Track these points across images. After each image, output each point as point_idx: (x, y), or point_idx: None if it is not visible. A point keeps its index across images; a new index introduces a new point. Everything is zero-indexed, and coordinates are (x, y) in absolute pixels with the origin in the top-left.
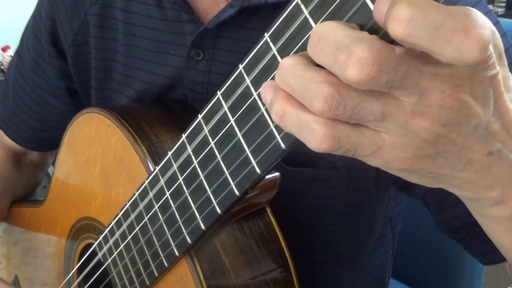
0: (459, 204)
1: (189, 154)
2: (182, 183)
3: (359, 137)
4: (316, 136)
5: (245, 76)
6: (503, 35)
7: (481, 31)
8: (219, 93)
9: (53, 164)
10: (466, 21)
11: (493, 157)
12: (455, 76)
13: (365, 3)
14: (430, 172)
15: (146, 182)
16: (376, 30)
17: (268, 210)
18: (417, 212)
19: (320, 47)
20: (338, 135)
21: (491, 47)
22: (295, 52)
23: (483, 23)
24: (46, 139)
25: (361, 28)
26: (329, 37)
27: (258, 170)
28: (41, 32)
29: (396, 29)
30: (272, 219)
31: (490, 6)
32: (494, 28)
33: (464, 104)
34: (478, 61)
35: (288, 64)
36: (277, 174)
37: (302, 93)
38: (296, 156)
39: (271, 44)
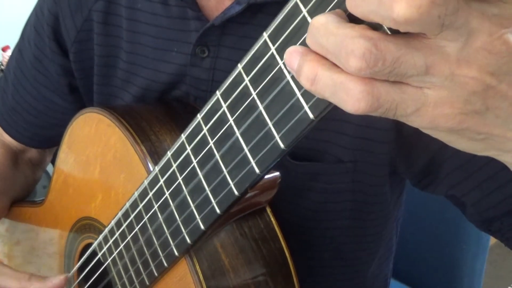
0: (490, 195)
1: (188, 153)
2: (181, 182)
3: (399, 94)
4: (352, 95)
5: (244, 75)
6: None
7: None
8: (218, 92)
9: (53, 163)
10: None
11: None
12: (503, 17)
13: None
14: (480, 132)
15: (146, 182)
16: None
17: (268, 209)
18: (417, 212)
19: None
20: (377, 93)
21: None
22: None
23: None
24: (46, 136)
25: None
26: None
27: (257, 170)
28: (43, 28)
29: None
30: (272, 218)
31: None
32: None
33: None
34: None
35: (320, 23)
36: (277, 173)
37: (336, 52)
38: (301, 150)
39: (270, 44)
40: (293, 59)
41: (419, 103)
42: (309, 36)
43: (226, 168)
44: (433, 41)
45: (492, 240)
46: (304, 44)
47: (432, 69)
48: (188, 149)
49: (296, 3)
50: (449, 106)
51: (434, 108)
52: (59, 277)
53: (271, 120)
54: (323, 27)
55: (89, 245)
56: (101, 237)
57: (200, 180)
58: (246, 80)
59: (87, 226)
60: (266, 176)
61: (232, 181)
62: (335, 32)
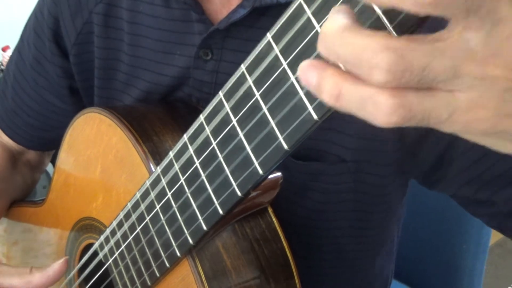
0: (504, 190)
1: (191, 154)
2: (183, 183)
3: (431, 102)
4: (383, 110)
5: (247, 76)
6: None
7: None
8: (221, 93)
9: (53, 163)
10: None
11: None
12: None
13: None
14: None
15: (148, 182)
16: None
17: (270, 210)
18: (417, 212)
19: None
20: (409, 104)
21: None
22: (298, 53)
23: None
24: (46, 139)
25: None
26: None
27: (260, 171)
28: (43, 30)
29: None
30: (274, 219)
31: None
32: None
33: None
34: None
35: (333, 32)
36: (279, 174)
37: (356, 63)
38: (303, 149)
39: (274, 44)
40: (309, 75)
41: (452, 108)
42: (322, 45)
43: (229, 169)
44: (457, 37)
45: (492, 240)
46: (307, 46)
47: (460, 69)
48: (191, 149)
49: (300, 4)
50: (481, 109)
51: (466, 112)
52: (59, 262)
53: (274, 120)
54: (338, 37)
55: (90, 245)
56: (102, 237)
57: (202, 181)
58: (250, 80)
59: (88, 226)
60: (269, 177)
61: (235, 181)
62: (353, 42)
